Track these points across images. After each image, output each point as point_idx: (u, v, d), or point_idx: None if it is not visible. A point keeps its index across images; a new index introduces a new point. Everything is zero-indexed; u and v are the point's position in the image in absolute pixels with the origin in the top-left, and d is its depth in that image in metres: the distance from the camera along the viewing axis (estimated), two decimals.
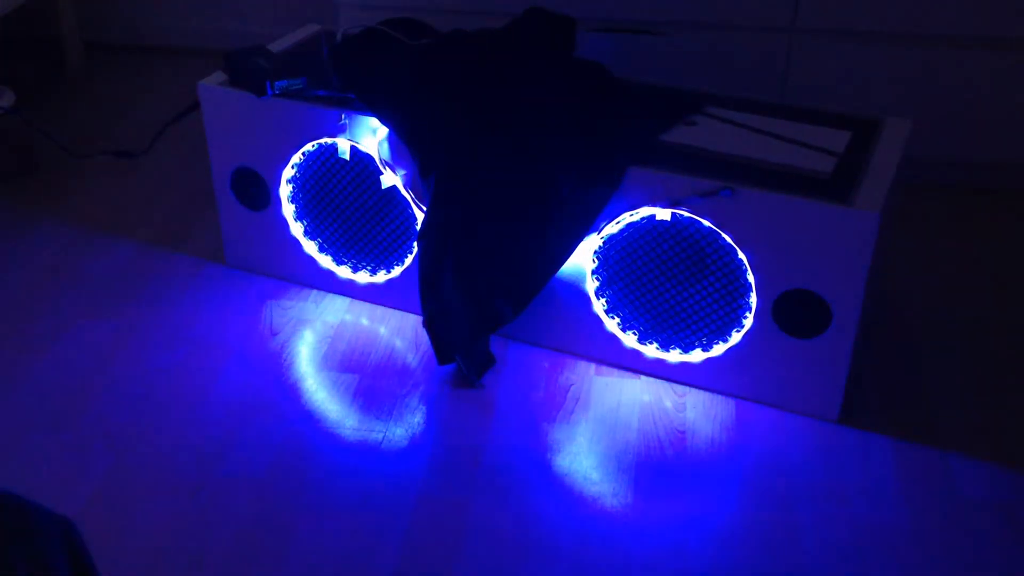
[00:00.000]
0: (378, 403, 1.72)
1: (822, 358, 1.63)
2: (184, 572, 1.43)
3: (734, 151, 1.67)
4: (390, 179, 1.78)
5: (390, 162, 1.78)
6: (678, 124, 1.75)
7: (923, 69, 2.16)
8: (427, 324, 1.75)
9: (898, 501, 1.54)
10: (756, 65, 2.19)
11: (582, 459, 1.61)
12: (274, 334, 1.87)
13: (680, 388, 1.75)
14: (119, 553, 1.44)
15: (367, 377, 1.77)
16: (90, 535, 1.00)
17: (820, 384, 1.65)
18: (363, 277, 1.93)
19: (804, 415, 1.69)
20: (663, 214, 1.63)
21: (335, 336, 1.87)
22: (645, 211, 1.64)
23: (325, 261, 1.95)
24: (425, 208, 1.73)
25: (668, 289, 1.69)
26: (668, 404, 1.72)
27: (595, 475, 1.59)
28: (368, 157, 1.81)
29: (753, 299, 1.63)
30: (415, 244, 1.83)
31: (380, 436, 1.65)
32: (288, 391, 1.74)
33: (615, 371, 1.78)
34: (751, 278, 1.62)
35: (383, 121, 1.75)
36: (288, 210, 1.93)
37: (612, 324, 1.76)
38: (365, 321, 1.91)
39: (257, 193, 1.93)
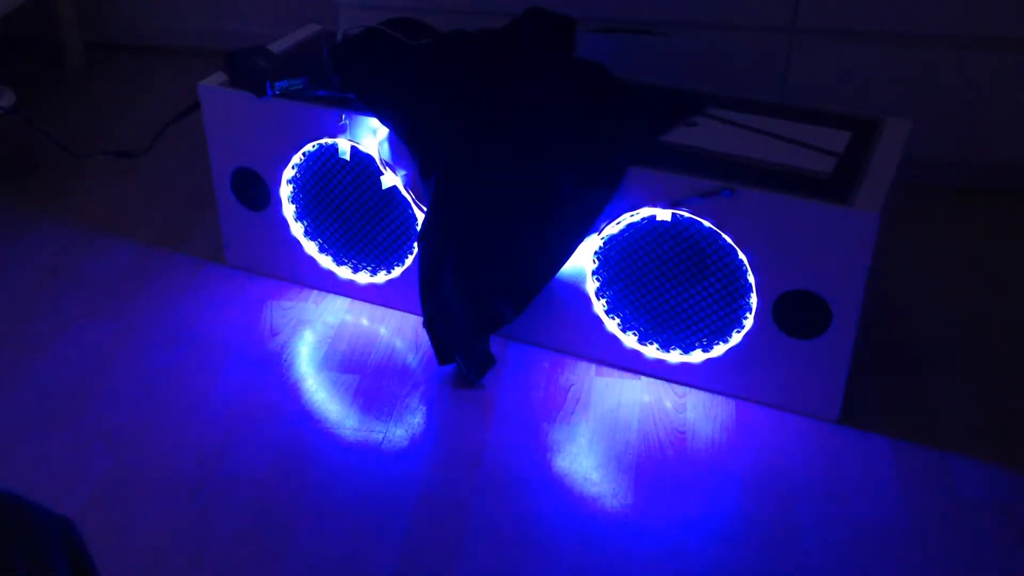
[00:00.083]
0: (378, 403, 1.72)
1: (822, 358, 1.63)
2: (184, 572, 1.43)
3: (734, 151, 1.67)
4: (390, 179, 1.78)
5: (390, 162, 1.78)
6: (678, 124, 1.75)
7: (923, 69, 2.16)
8: (427, 324, 1.75)
9: (898, 501, 1.54)
10: (756, 65, 2.20)
11: (582, 459, 1.61)
12: (274, 334, 1.87)
13: (680, 389, 1.75)
14: (119, 553, 1.44)
15: (367, 377, 1.77)
16: (90, 535, 1.00)
17: (820, 384, 1.65)
18: (363, 277, 1.93)
19: (804, 415, 1.69)
20: (663, 214, 1.63)
21: (335, 336, 1.87)
22: (645, 211, 1.64)
23: (325, 261, 1.95)
24: (425, 208, 1.73)
25: (668, 290, 1.69)
26: (668, 405, 1.72)
27: (595, 475, 1.59)
28: (368, 157, 1.81)
29: (753, 299, 1.63)
30: (415, 244, 1.83)
31: (380, 436, 1.65)
32: (288, 391, 1.74)
33: (615, 372, 1.78)
34: (751, 278, 1.62)
35: (383, 121, 1.75)
36: (288, 210, 1.93)
37: (612, 325, 1.76)
38: (365, 321, 1.91)
39: (257, 193, 1.93)
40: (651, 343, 1.75)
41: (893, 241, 1.97)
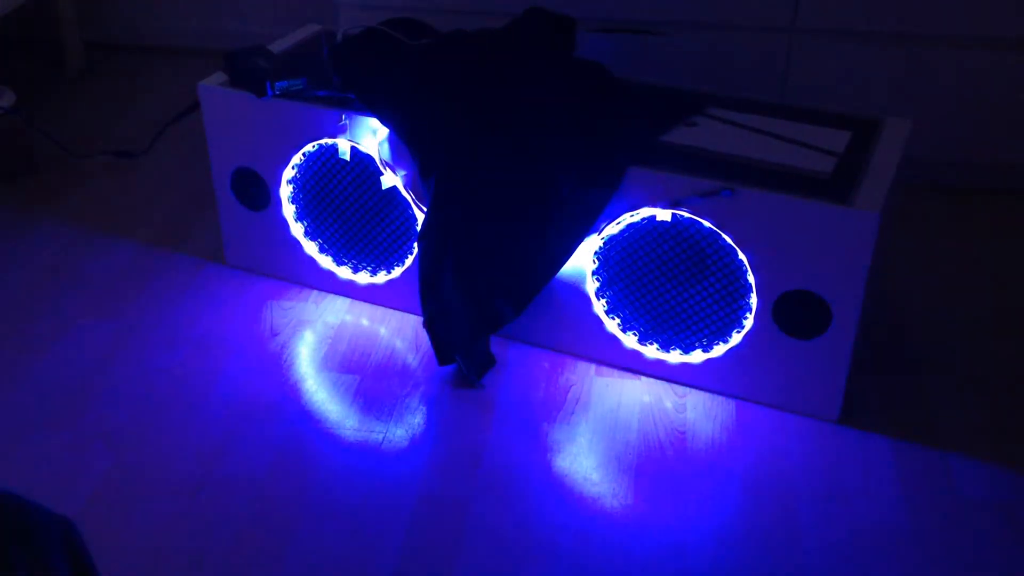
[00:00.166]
0: (378, 404, 1.72)
1: (822, 358, 1.63)
2: (184, 572, 1.43)
3: (734, 151, 1.67)
4: (390, 180, 1.78)
5: (390, 163, 1.78)
6: (678, 124, 1.75)
7: (923, 69, 2.16)
8: (427, 324, 1.75)
9: (898, 501, 1.54)
10: (756, 65, 2.20)
11: (582, 459, 1.61)
12: (274, 335, 1.87)
13: (680, 389, 1.75)
14: (119, 553, 1.44)
15: (367, 378, 1.77)
16: (90, 535, 1.00)
17: (820, 384, 1.65)
18: (363, 278, 1.93)
19: (804, 415, 1.69)
20: (663, 215, 1.63)
21: (335, 337, 1.87)
22: (645, 212, 1.64)
23: (325, 262, 1.95)
24: (425, 208, 1.73)
25: (668, 290, 1.69)
26: (668, 405, 1.72)
27: (595, 475, 1.59)
28: (368, 158, 1.81)
29: (753, 300, 1.63)
30: (415, 244, 1.83)
31: (380, 436, 1.65)
32: (288, 391, 1.74)
33: (615, 372, 1.78)
34: (751, 279, 1.62)
35: (383, 121, 1.75)
36: (288, 210, 1.93)
37: (612, 325, 1.76)
38: (365, 322, 1.91)
39: (257, 193, 1.93)
40: (651, 343, 1.75)
41: (893, 241, 1.97)
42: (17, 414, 1.68)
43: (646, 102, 1.81)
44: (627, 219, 1.66)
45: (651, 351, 1.75)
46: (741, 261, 1.61)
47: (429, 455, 1.62)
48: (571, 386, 1.76)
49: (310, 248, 1.95)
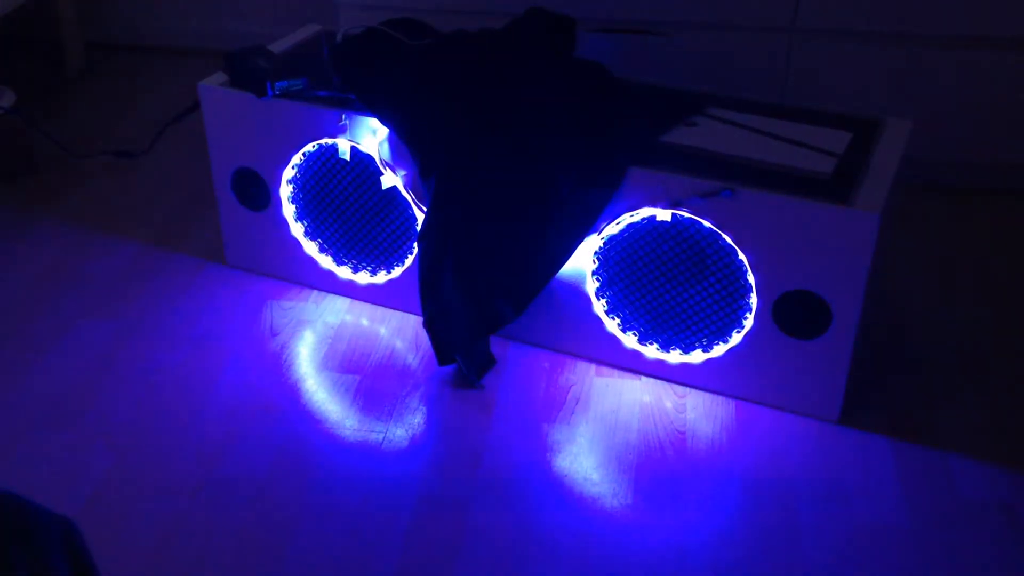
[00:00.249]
0: (378, 404, 1.72)
1: (822, 359, 1.63)
2: (184, 572, 1.43)
3: (734, 152, 1.67)
4: (390, 180, 1.78)
5: (390, 163, 1.78)
6: (678, 125, 1.75)
7: (923, 69, 2.16)
8: (427, 325, 1.75)
9: (898, 501, 1.54)
10: (756, 65, 2.19)
11: (582, 460, 1.61)
12: (274, 334, 1.87)
13: (680, 389, 1.75)
14: (119, 553, 1.44)
15: (367, 378, 1.77)
16: (90, 535, 1.00)
17: (820, 385, 1.65)
18: (363, 278, 1.93)
19: (804, 415, 1.69)
20: (663, 215, 1.63)
21: (335, 337, 1.87)
22: (645, 212, 1.64)
23: (325, 262, 1.95)
24: (425, 209, 1.73)
25: (668, 290, 1.69)
26: (668, 405, 1.72)
27: (595, 476, 1.59)
28: (368, 158, 1.81)
29: (753, 300, 1.63)
30: (415, 245, 1.83)
31: (380, 437, 1.65)
32: (288, 391, 1.74)
33: (615, 372, 1.78)
34: (751, 279, 1.62)
35: (383, 121, 1.75)
36: (288, 210, 1.93)
37: (612, 325, 1.76)
38: (365, 322, 1.91)
39: (257, 193, 1.93)
40: (651, 343, 1.75)
41: (893, 241, 1.97)
42: (17, 414, 1.68)
43: (646, 102, 1.81)
44: (627, 219, 1.66)
45: (651, 351, 1.75)
46: (741, 261, 1.61)
47: (429, 455, 1.62)
48: (571, 386, 1.76)
49: (310, 248, 1.95)
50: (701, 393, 1.74)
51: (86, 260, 2.06)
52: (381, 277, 1.91)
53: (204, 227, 2.14)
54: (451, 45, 1.82)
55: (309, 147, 1.84)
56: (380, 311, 1.93)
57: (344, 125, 1.79)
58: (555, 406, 1.71)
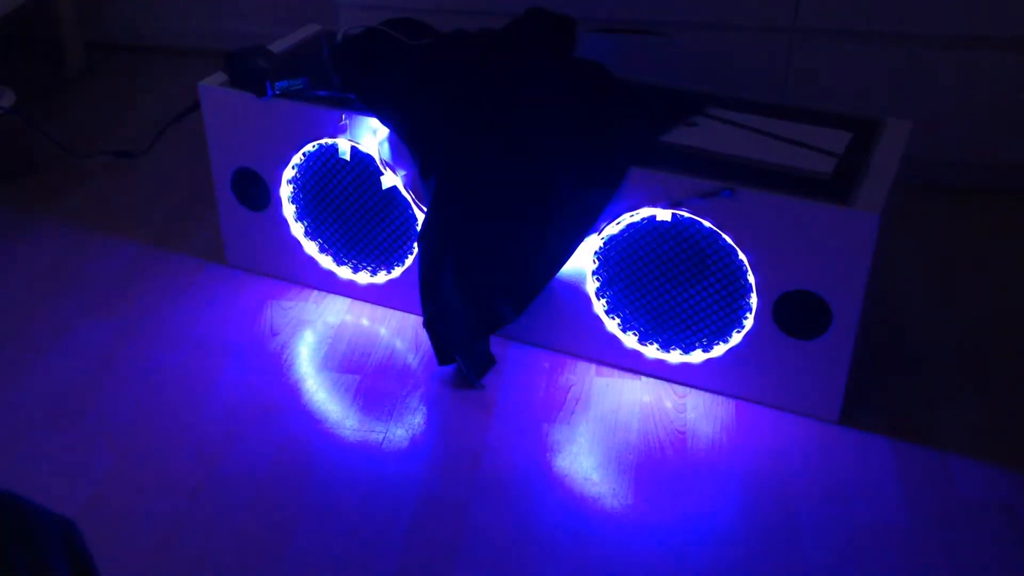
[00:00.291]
0: (378, 404, 1.72)
1: (822, 359, 1.63)
2: (184, 572, 1.43)
3: (734, 152, 1.67)
4: (390, 179, 1.78)
5: (390, 162, 1.78)
6: (678, 125, 1.75)
7: (923, 69, 2.17)
8: (427, 325, 1.75)
9: (898, 501, 1.54)
10: (756, 65, 2.20)
11: (582, 460, 1.61)
12: (274, 334, 1.87)
13: (680, 389, 1.75)
14: (119, 553, 1.44)
15: (367, 378, 1.77)
16: (90, 535, 1.00)
17: (820, 385, 1.65)
18: (363, 278, 1.93)
19: (804, 415, 1.69)
20: (664, 215, 1.63)
21: (335, 337, 1.87)
22: (646, 212, 1.64)
23: (325, 261, 1.95)
24: (425, 209, 1.73)
25: (669, 290, 1.69)
26: (668, 405, 1.72)
27: (595, 476, 1.59)
28: (368, 157, 1.81)
29: (753, 300, 1.63)
30: (415, 245, 1.83)
31: (380, 436, 1.65)
32: (288, 391, 1.74)
33: (615, 372, 1.78)
34: (751, 279, 1.62)
35: (383, 121, 1.75)
36: (288, 210, 1.93)
37: (612, 325, 1.76)
38: (365, 322, 1.91)
39: (257, 193, 1.93)
40: (651, 343, 1.75)
41: (893, 241, 1.97)
42: (17, 414, 1.68)
43: (646, 102, 1.81)
44: (627, 219, 1.66)
45: (651, 351, 1.75)
46: (741, 261, 1.61)
47: (429, 455, 1.62)
48: (571, 386, 1.76)
49: (310, 248, 1.95)
50: (701, 393, 1.74)
51: (86, 260, 2.06)
52: (381, 277, 1.91)
53: (204, 227, 2.14)
54: (451, 45, 1.82)
55: (309, 147, 1.84)
56: (380, 311, 1.93)
57: (344, 125, 1.79)
58: (555, 406, 1.71)
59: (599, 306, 1.75)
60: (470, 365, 1.75)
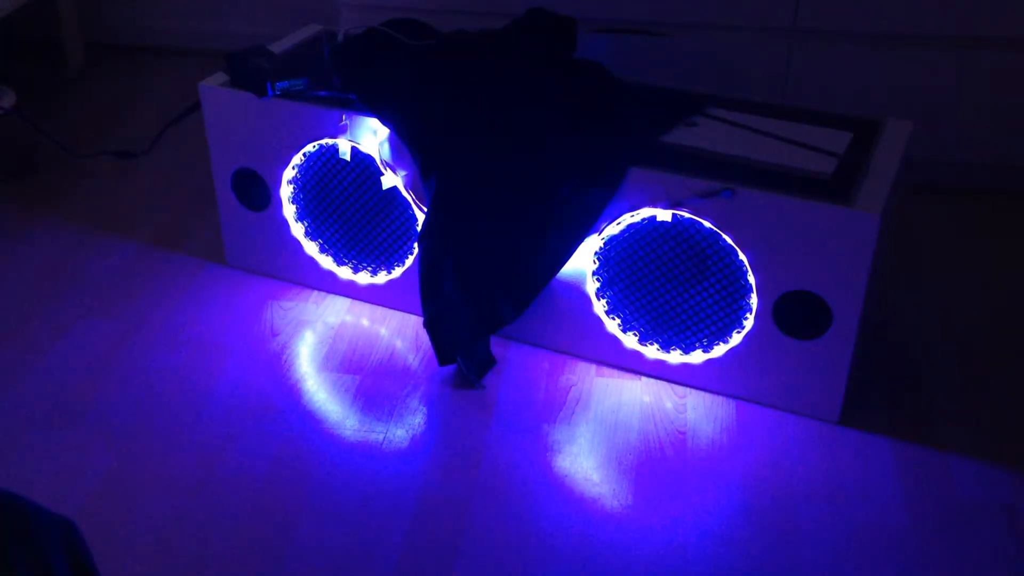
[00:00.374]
0: (379, 404, 1.72)
1: (823, 359, 1.63)
2: (184, 572, 1.43)
3: (735, 152, 1.67)
4: (391, 180, 1.78)
5: (391, 163, 1.78)
6: (678, 124, 1.75)
7: (923, 69, 2.17)
8: (428, 325, 1.75)
9: (898, 501, 1.54)
10: (756, 66, 2.20)
11: (583, 460, 1.61)
12: (275, 335, 1.87)
13: (681, 389, 1.75)
14: (119, 553, 1.44)
15: (368, 378, 1.77)
16: (90, 535, 1.00)
17: (821, 385, 1.65)
18: (364, 278, 1.93)
19: (804, 416, 1.69)
20: (664, 215, 1.63)
21: (336, 337, 1.87)
22: (646, 212, 1.64)
23: (326, 262, 1.95)
24: (425, 209, 1.73)
25: (669, 290, 1.69)
26: (669, 405, 1.72)
27: (596, 476, 1.59)
28: (369, 158, 1.81)
29: (754, 300, 1.63)
30: (415, 245, 1.83)
31: (381, 437, 1.65)
32: (289, 392, 1.74)
33: (616, 372, 1.78)
34: (752, 279, 1.62)
35: (384, 122, 1.75)
36: (289, 211, 1.93)
37: (613, 325, 1.76)
38: (366, 322, 1.91)
39: (258, 194, 1.93)
40: (651, 343, 1.75)
41: (893, 241, 1.97)
42: (17, 414, 1.68)
43: (646, 102, 1.81)
44: (627, 219, 1.66)
45: (651, 351, 1.75)
46: (741, 261, 1.61)
47: (429, 455, 1.62)
48: (571, 386, 1.76)
49: (310, 248, 1.95)
50: (701, 393, 1.74)
51: (86, 260, 2.06)
52: (381, 277, 1.91)
53: (204, 227, 2.14)
54: (451, 45, 1.82)
55: (309, 147, 1.84)
56: (380, 311, 1.93)
57: (344, 125, 1.79)
58: (555, 406, 1.71)
59: (599, 306, 1.75)
60: (470, 365, 1.75)
